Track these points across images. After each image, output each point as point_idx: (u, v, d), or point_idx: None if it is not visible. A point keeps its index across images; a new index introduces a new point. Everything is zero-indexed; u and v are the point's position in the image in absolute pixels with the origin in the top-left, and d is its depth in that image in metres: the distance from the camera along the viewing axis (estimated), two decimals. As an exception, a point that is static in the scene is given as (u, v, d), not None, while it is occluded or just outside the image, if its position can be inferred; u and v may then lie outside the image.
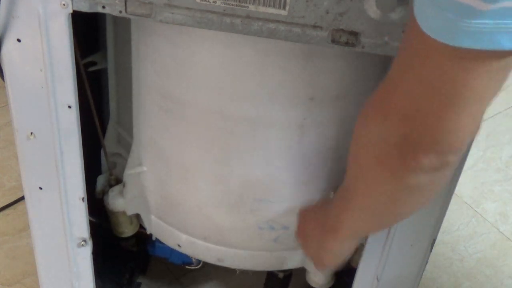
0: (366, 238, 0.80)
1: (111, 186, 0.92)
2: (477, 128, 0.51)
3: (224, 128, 0.76)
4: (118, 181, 0.92)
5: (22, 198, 1.23)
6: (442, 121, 0.50)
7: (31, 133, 0.74)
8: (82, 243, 0.85)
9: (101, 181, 0.93)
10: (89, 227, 0.84)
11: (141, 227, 0.97)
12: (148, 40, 0.75)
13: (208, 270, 1.25)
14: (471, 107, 0.49)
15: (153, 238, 0.98)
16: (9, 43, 0.68)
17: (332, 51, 0.69)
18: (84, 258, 0.87)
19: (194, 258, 1.02)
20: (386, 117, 0.54)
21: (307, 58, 0.70)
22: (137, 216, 0.95)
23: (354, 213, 0.67)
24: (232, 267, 0.94)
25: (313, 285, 0.94)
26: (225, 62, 0.71)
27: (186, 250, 0.93)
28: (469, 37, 0.44)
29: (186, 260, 1.05)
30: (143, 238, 1.04)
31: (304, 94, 0.73)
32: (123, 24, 0.78)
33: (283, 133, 0.76)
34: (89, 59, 0.86)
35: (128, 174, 0.87)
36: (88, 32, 0.84)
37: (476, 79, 0.47)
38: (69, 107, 0.72)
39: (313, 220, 0.77)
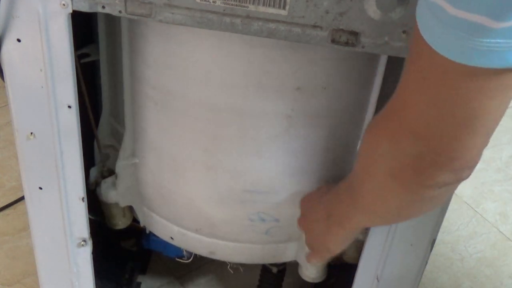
0: (366, 236, 0.80)
1: (104, 177, 0.92)
2: (488, 141, 0.51)
3: (213, 119, 0.76)
4: (111, 172, 0.92)
5: (22, 198, 1.23)
6: (457, 140, 0.50)
7: (31, 133, 0.74)
8: (82, 243, 0.85)
9: (94, 172, 0.93)
10: (89, 227, 0.84)
11: (136, 220, 0.97)
12: (137, 32, 0.75)
13: (208, 269, 1.26)
14: (485, 123, 0.49)
15: (147, 231, 0.98)
16: (9, 43, 0.68)
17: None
18: (84, 258, 0.87)
19: (186, 251, 1.02)
20: (398, 136, 0.54)
21: (293, 48, 0.70)
22: (130, 208, 0.95)
23: (361, 213, 0.67)
24: (224, 260, 0.94)
25: (305, 278, 0.94)
26: (212, 53, 0.71)
27: (178, 242, 0.93)
28: (480, 55, 0.44)
29: (180, 253, 1.04)
30: (140, 234, 1.04)
31: (291, 84, 0.73)
32: (115, 16, 0.78)
33: (270, 124, 0.76)
34: (83, 50, 0.86)
35: (120, 165, 0.88)
36: (82, 23, 0.84)
37: (489, 96, 0.47)
38: (69, 107, 0.72)
39: (317, 211, 0.77)
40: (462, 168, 0.52)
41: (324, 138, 0.79)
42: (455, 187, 0.56)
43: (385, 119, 0.57)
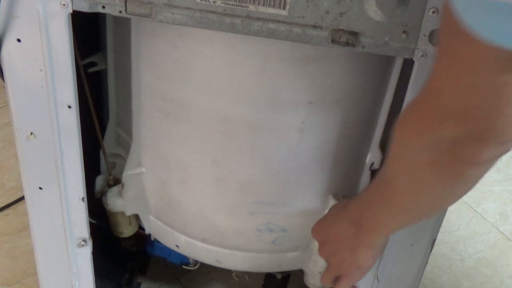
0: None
1: (110, 186, 0.92)
2: None
3: (224, 131, 0.76)
4: (117, 181, 0.92)
5: (22, 198, 1.23)
6: (498, 115, 0.50)
7: (31, 133, 0.74)
8: (82, 243, 0.85)
9: (100, 181, 0.93)
10: (89, 227, 0.84)
11: (140, 227, 0.97)
12: (148, 42, 0.75)
13: (208, 270, 1.25)
14: None
15: (152, 239, 0.98)
16: (9, 43, 0.68)
17: (332, 55, 0.69)
18: (84, 258, 0.87)
19: (192, 259, 1.02)
20: (436, 122, 0.53)
21: (307, 62, 0.70)
22: (136, 217, 0.95)
23: (396, 212, 0.66)
24: (230, 268, 0.94)
25: (310, 287, 0.94)
26: (225, 66, 0.71)
27: (184, 251, 0.93)
28: None
29: (184, 260, 1.05)
30: (142, 238, 1.04)
31: (304, 98, 0.73)
32: (123, 25, 0.78)
33: (282, 137, 0.76)
34: (90, 59, 0.85)
35: (127, 175, 0.87)
36: (89, 32, 0.84)
37: None
38: (69, 107, 0.72)
39: (339, 231, 0.75)
40: (505, 141, 0.52)
41: (335, 150, 0.79)
42: (496, 161, 0.55)
43: (418, 110, 0.56)
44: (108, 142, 0.92)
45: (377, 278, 0.84)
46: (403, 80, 0.74)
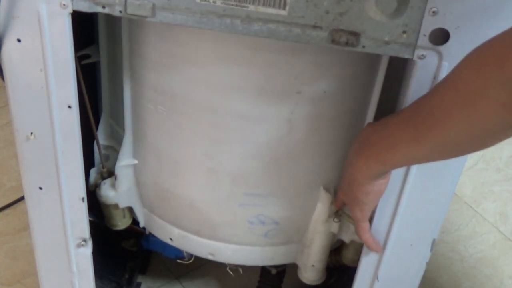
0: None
1: (103, 178, 0.92)
2: None
3: (213, 122, 0.77)
4: (111, 174, 0.92)
5: (22, 198, 1.23)
6: None
7: (31, 133, 0.74)
8: (82, 243, 0.85)
9: (93, 174, 0.93)
10: (89, 227, 0.84)
11: (135, 222, 0.97)
12: (138, 34, 0.75)
13: (208, 269, 1.26)
14: None
15: (147, 232, 0.98)
16: (9, 43, 0.68)
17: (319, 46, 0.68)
18: (84, 258, 0.87)
19: (186, 252, 1.02)
20: None
21: (295, 52, 0.70)
22: (130, 210, 0.95)
23: (424, 147, 0.60)
24: (224, 261, 0.94)
25: (304, 281, 0.94)
26: (213, 56, 0.72)
27: (178, 244, 0.93)
28: None
29: (179, 254, 1.05)
30: (140, 234, 1.04)
31: (292, 88, 0.73)
32: (115, 18, 0.78)
33: (271, 127, 0.76)
34: (84, 52, 0.86)
35: (120, 167, 0.88)
36: (83, 24, 0.84)
37: None
38: (69, 107, 0.72)
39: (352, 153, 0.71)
40: None
41: (325, 142, 0.79)
42: None
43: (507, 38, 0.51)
44: (102, 134, 0.92)
45: (377, 278, 0.84)
46: (392, 72, 0.74)
